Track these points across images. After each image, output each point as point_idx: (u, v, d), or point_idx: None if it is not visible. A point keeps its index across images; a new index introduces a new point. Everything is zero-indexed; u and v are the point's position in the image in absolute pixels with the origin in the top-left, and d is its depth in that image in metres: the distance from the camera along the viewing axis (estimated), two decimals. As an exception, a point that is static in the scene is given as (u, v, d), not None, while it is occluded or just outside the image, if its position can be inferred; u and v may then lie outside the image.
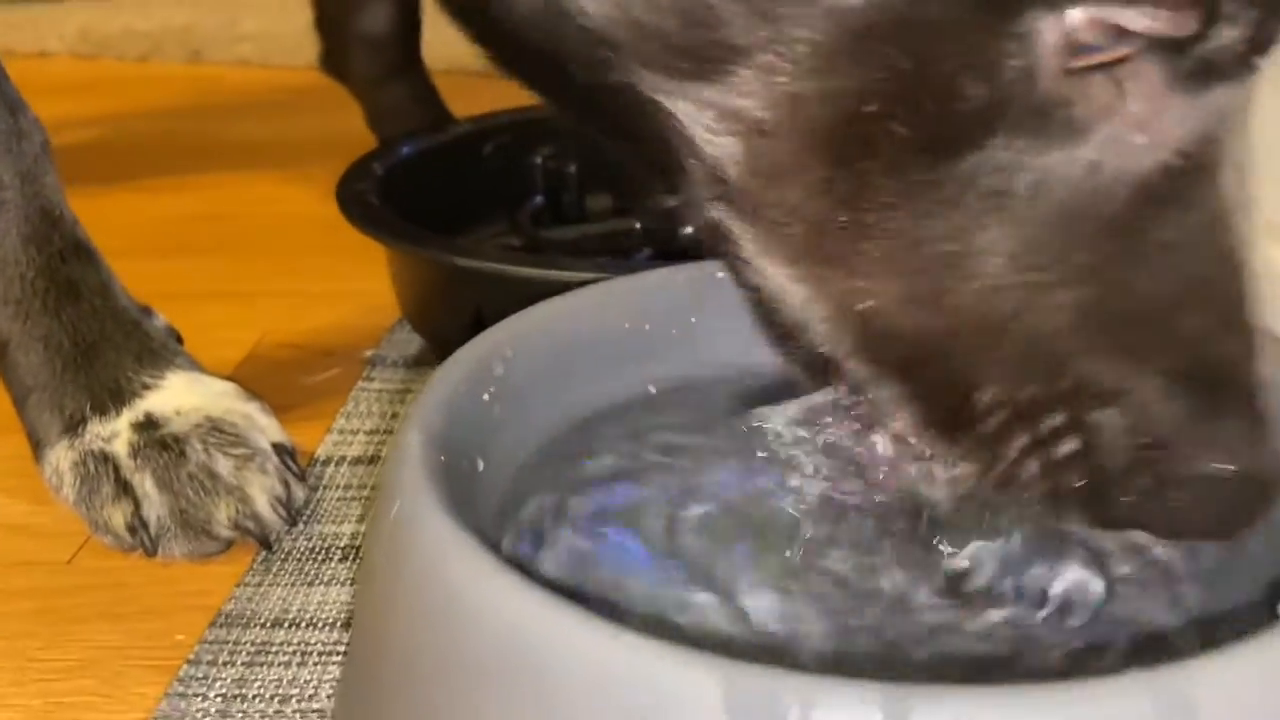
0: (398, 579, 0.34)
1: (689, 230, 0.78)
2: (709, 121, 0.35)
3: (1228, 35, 0.30)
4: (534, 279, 0.58)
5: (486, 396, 0.43)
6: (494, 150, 0.83)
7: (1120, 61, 0.31)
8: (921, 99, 0.32)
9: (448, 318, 0.64)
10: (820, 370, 0.39)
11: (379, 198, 0.70)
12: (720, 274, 0.50)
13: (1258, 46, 0.31)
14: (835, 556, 0.39)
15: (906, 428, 0.36)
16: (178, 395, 0.54)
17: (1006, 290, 0.33)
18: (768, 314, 0.40)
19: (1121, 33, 0.31)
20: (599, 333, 0.49)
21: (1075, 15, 0.30)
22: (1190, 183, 0.33)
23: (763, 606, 0.36)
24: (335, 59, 0.87)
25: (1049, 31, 0.31)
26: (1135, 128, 0.32)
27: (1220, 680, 0.26)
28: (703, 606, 0.37)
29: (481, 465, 0.42)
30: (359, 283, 0.79)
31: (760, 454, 0.43)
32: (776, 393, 0.47)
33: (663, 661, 0.27)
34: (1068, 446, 0.33)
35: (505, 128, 0.84)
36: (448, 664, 0.31)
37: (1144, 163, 0.33)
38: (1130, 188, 0.33)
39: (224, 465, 0.52)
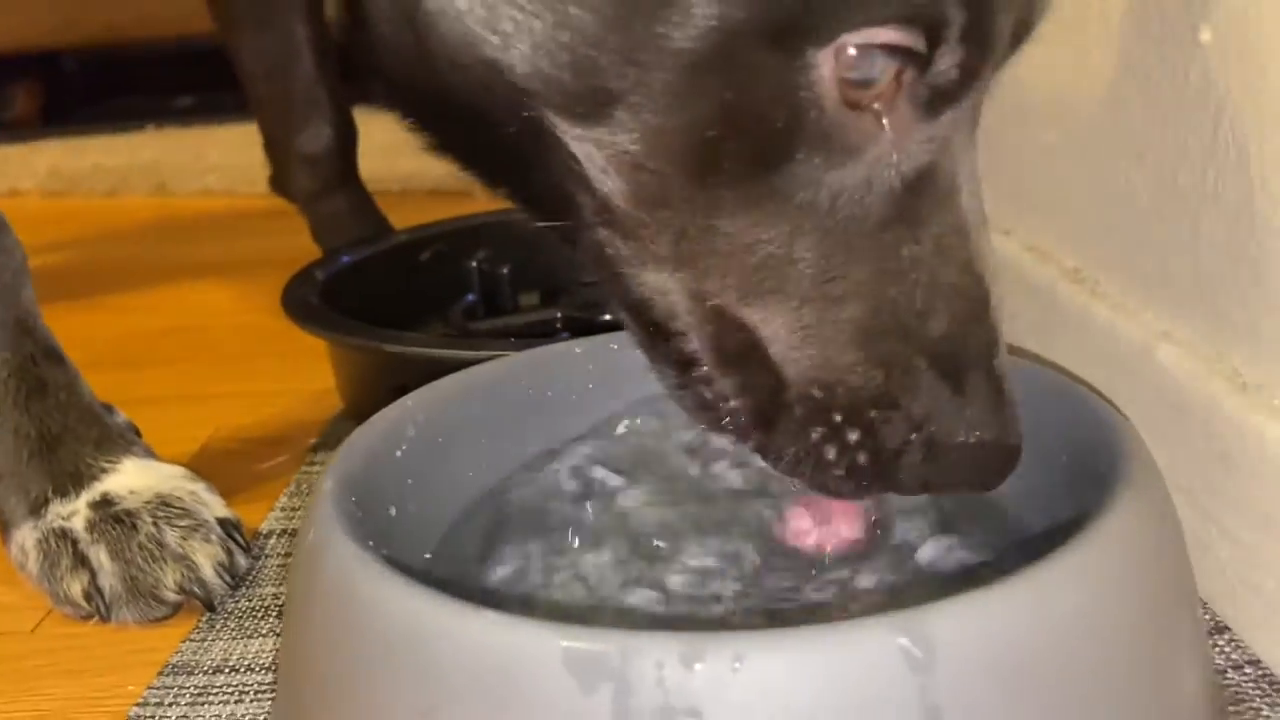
0: (311, 593, 0.40)
1: (605, 317, 0.87)
2: (601, 160, 0.43)
3: (947, 63, 0.40)
4: (452, 359, 0.65)
5: (399, 454, 0.50)
6: (431, 256, 0.91)
7: (884, 97, 0.40)
8: (745, 123, 0.40)
9: (379, 400, 0.71)
10: (684, 368, 0.47)
11: (321, 299, 0.77)
12: (614, 346, 0.58)
13: (969, 75, 0.40)
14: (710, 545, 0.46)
15: (740, 417, 0.45)
16: (132, 477, 0.60)
17: (812, 291, 0.42)
18: (642, 319, 0.47)
19: (880, 55, 0.39)
20: (505, 398, 0.56)
21: (843, 41, 0.39)
22: (936, 199, 0.42)
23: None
24: (281, 178, 0.96)
25: (824, 63, 0.39)
26: (892, 149, 0.41)
27: (954, 622, 0.32)
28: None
29: (394, 511, 0.48)
30: (304, 382, 0.86)
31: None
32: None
33: (514, 631, 0.33)
34: (854, 434, 0.42)
35: (441, 236, 0.92)
36: (352, 658, 0.37)
37: (898, 179, 0.41)
38: (892, 202, 0.42)
39: (171, 536, 0.58)
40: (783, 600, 0.42)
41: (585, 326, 0.81)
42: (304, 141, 0.91)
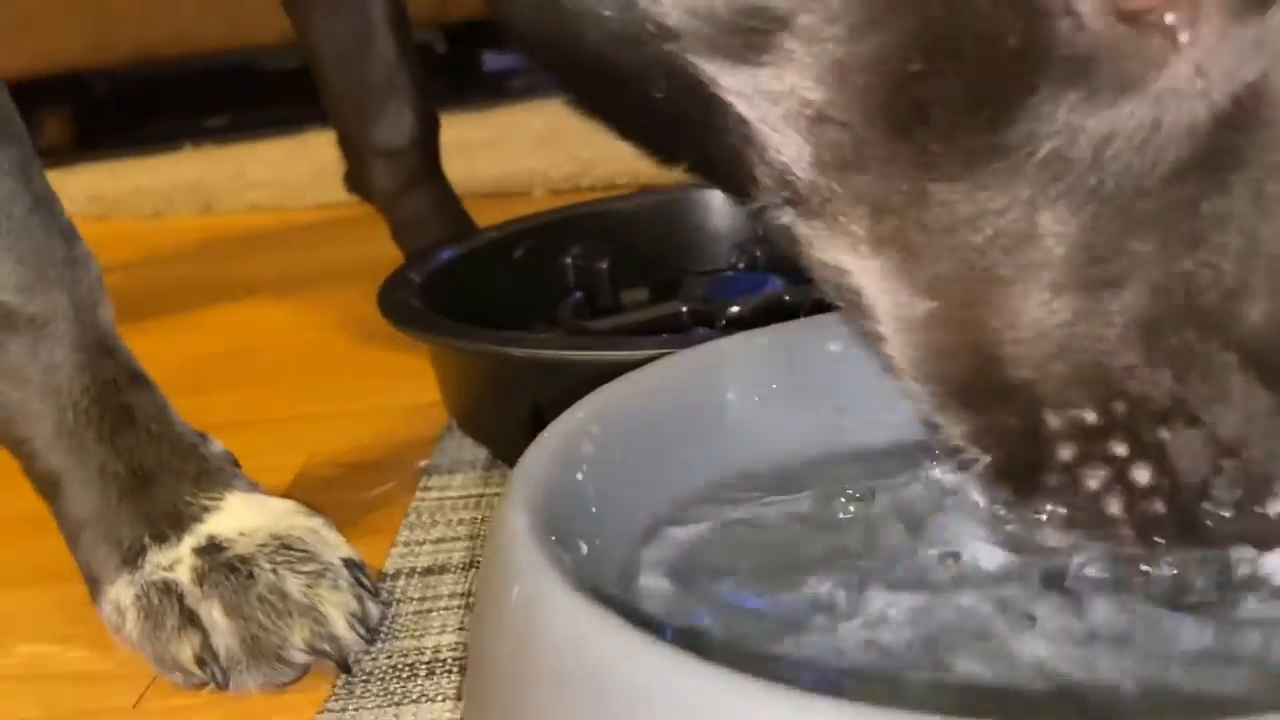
0: (526, 663, 0.31)
1: (735, 309, 0.77)
2: (771, 115, 0.33)
3: None
4: (594, 362, 0.56)
5: (580, 476, 0.41)
6: (525, 254, 0.83)
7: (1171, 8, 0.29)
8: (962, 49, 0.30)
9: (503, 415, 0.62)
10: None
11: (421, 303, 0.69)
12: (799, 334, 0.49)
13: None
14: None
15: (982, 474, 0.34)
16: (240, 516, 0.52)
17: (1071, 278, 0.31)
18: (854, 321, 0.37)
19: None
20: (681, 406, 0.47)
21: None
22: (1261, 132, 0.30)
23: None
24: (357, 176, 0.87)
25: None
26: (1193, 72, 0.30)
27: None
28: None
29: (585, 549, 0.39)
30: (397, 396, 0.78)
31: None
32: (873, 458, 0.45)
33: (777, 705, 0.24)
34: (1145, 473, 0.30)
35: (533, 231, 0.83)
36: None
37: (1202, 112, 0.30)
38: (1191, 143, 0.30)
39: (294, 584, 0.49)
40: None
41: (713, 318, 0.73)
42: (382, 133, 0.82)
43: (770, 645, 0.35)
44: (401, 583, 0.55)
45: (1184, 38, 0.30)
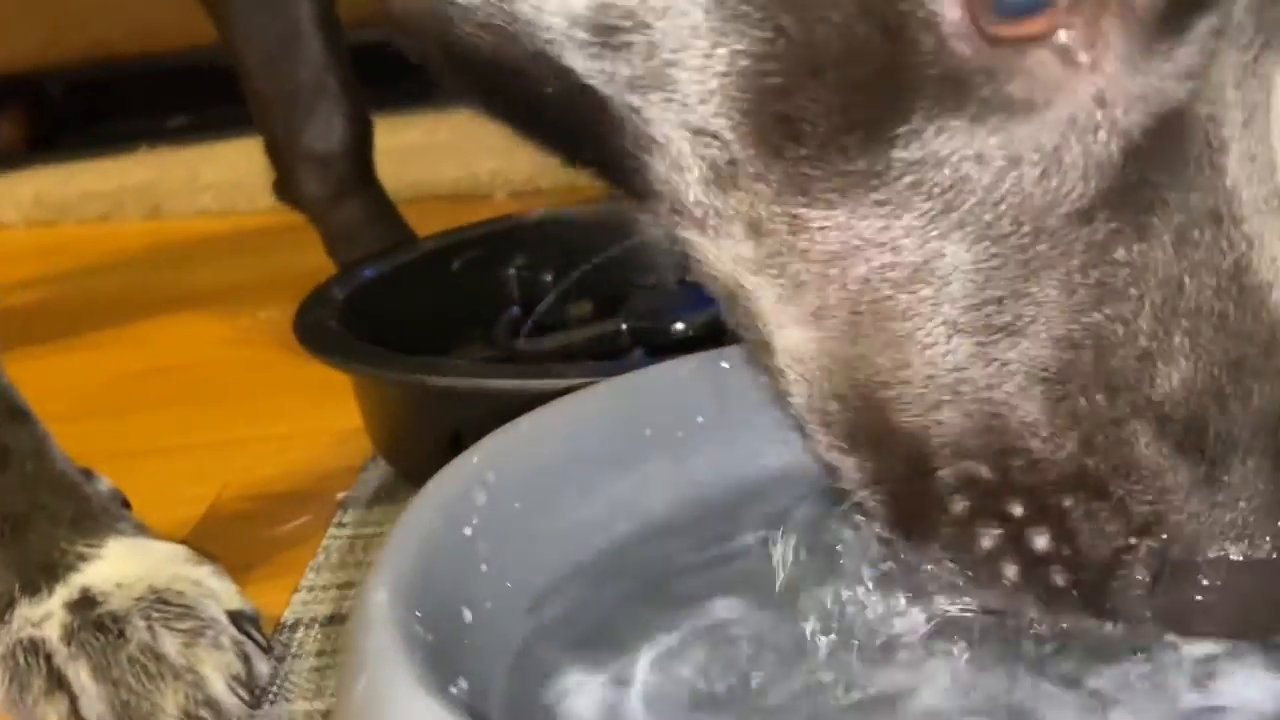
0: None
1: (680, 326, 0.73)
2: (658, 120, 0.30)
3: None
4: (514, 391, 0.52)
5: (469, 531, 0.37)
6: (464, 265, 0.78)
7: (1074, 14, 0.25)
8: (824, 67, 0.27)
9: (424, 445, 0.58)
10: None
11: (340, 323, 0.64)
12: (727, 364, 0.45)
13: None
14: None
15: (876, 518, 0.31)
16: (118, 565, 0.47)
17: (966, 320, 0.28)
18: (750, 345, 0.34)
19: None
20: (595, 442, 0.43)
21: None
22: (1182, 172, 0.27)
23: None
24: (286, 184, 0.83)
25: None
26: (1095, 98, 0.26)
27: None
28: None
29: (470, 616, 0.35)
30: (328, 419, 0.73)
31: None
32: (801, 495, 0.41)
33: None
34: (1041, 536, 0.27)
35: (473, 241, 0.79)
36: None
37: (1114, 148, 0.27)
38: (1101, 180, 0.27)
39: (170, 643, 0.44)
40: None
41: (657, 339, 0.69)
42: (312, 138, 0.78)
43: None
44: (301, 634, 0.50)
45: (1083, 60, 0.26)
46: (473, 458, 0.39)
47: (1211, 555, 0.26)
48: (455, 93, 0.38)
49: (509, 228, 0.81)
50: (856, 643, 0.34)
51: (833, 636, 0.34)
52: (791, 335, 0.32)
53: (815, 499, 0.41)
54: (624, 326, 0.70)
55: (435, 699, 0.25)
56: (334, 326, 0.63)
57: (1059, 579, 0.27)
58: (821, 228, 0.29)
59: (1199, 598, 0.26)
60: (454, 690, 0.28)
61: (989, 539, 0.28)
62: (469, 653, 0.33)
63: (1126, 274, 0.27)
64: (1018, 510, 0.27)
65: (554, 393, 0.44)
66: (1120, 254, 0.27)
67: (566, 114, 0.33)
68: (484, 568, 0.36)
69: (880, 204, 0.28)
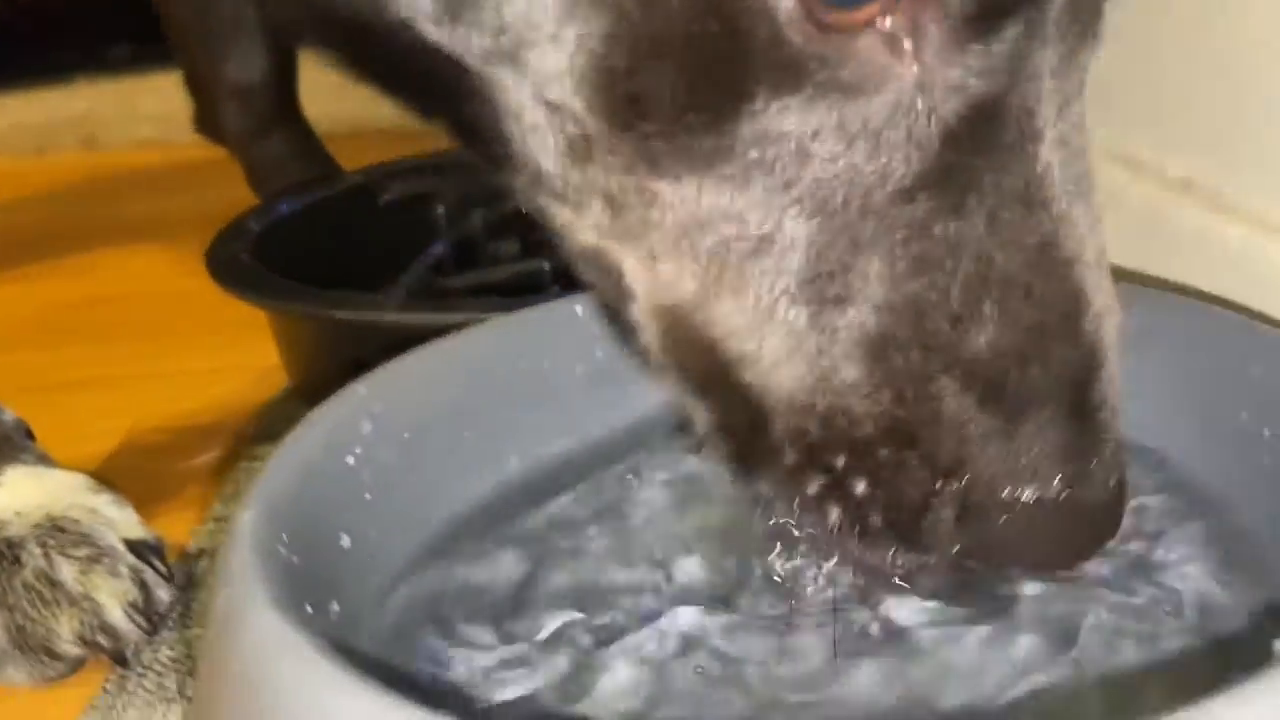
0: (222, 681, 0.27)
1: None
2: (514, 88, 0.31)
3: None
4: (420, 325, 0.52)
5: (351, 460, 0.37)
6: (390, 201, 0.77)
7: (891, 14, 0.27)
8: (661, 47, 0.28)
9: (330, 380, 0.57)
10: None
11: (256, 257, 0.64)
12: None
13: None
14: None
15: (717, 453, 0.33)
16: (17, 493, 0.47)
17: (799, 289, 0.30)
18: (606, 316, 0.37)
19: None
20: (490, 376, 0.43)
21: None
22: (998, 153, 0.29)
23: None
24: (208, 117, 0.81)
25: None
26: (914, 83, 0.28)
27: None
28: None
29: (348, 542, 0.35)
30: (247, 357, 0.72)
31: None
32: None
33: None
34: (861, 485, 0.30)
35: (400, 176, 0.78)
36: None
37: (934, 131, 0.29)
38: (922, 159, 0.29)
39: (66, 570, 0.45)
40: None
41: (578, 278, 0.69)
42: (232, 70, 0.76)
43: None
44: (205, 563, 0.51)
45: (906, 48, 0.28)
46: (359, 389, 0.39)
47: (1007, 496, 0.28)
48: (318, 50, 0.38)
49: (437, 164, 0.81)
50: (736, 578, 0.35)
51: (705, 572, 0.35)
52: (648, 297, 0.33)
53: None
54: (545, 265, 0.70)
55: (282, 615, 0.26)
56: (246, 260, 0.62)
57: (876, 520, 0.29)
58: (672, 201, 0.31)
59: (999, 534, 0.28)
60: (310, 611, 0.28)
61: (816, 486, 0.30)
62: (346, 578, 0.34)
63: (943, 248, 0.29)
64: (840, 462, 0.30)
65: (457, 328, 0.44)
66: (938, 229, 0.29)
67: (427, 78, 0.33)
68: (367, 496, 0.37)
69: (726, 179, 0.30)
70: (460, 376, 0.42)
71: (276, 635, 0.25)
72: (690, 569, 0.35)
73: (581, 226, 0.33)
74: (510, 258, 0.76)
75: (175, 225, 1.11)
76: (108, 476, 0.52)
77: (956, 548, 0.29)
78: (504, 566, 0.37)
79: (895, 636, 0.31)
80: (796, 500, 0.31)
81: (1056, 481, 0.28)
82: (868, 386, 0.29)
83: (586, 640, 0.33)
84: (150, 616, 0.45)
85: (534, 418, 0.43)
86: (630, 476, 0.41)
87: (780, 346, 0.30)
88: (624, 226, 0.32)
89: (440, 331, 0.44)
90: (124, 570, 0.45)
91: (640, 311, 0.34)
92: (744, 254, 0.30)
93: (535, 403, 0.43)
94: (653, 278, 0.32)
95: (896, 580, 0.31)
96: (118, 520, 0.47)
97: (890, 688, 0.29)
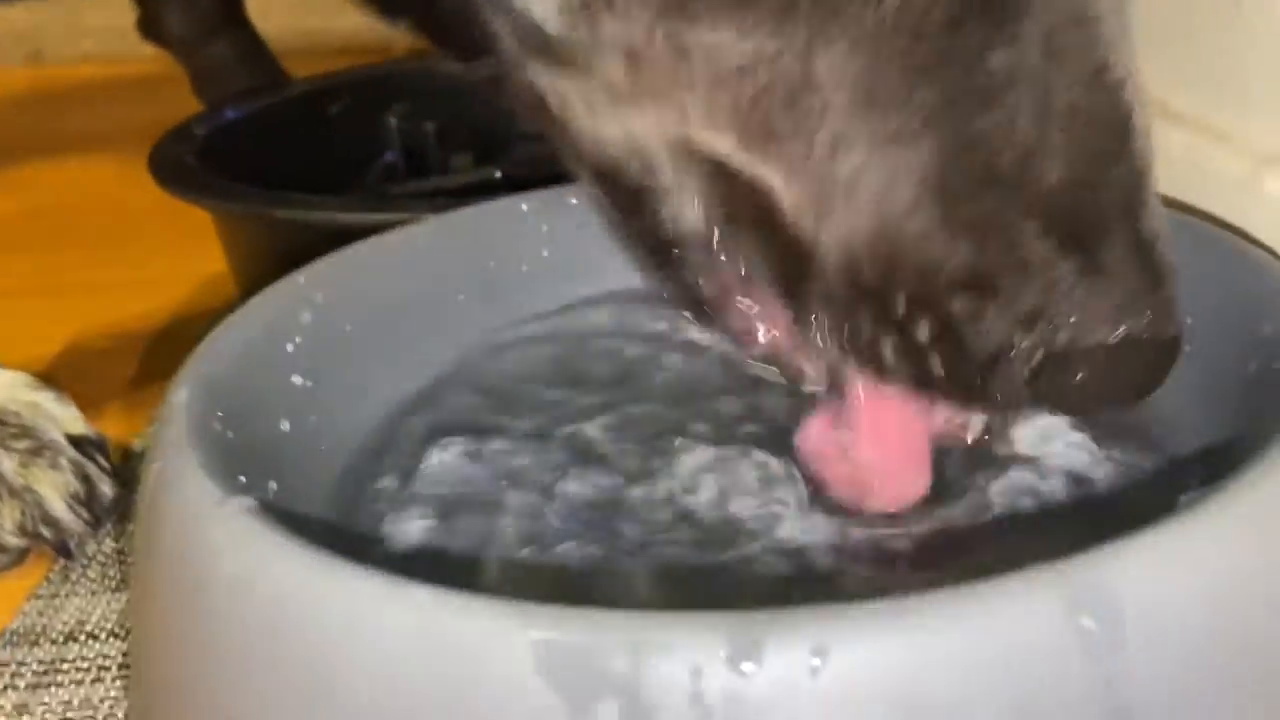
0: (154, 552, 0.27)
1: (557, 174, 0.73)
2: None
3: None
4: (363, 224, 0.51)
5: (290, 347, 0.37)
6: (341, 111, 0.76)
7: None
8: None
9: (272, 282, 0.57)
10: (668, 251, 0.34)
11: (200, 161, 0.62)
12: (575, 199, 0.45)
13: None
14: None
15: (760, 307, 0.32)
16: (-45, 389, 0.47)
17: (853, 130, 0.28)
18: (612, 190, 0.34)
19: None
20: (434, 271, 0.43)
21: None
22: None
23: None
24: (150, 21, 0.79)
25: None
26: None
27: (1149, 575, 0.21)
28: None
29: (287, 426, 0.35)
30: (196, 265, 0.72)
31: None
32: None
33: (453, 616, 0.21)
34: (924, 330, 0.28)
35: (351, 86, 0.77)
36: (207, 648, 0.25)
37: None
38: None
39: (7, 463, 0.44)
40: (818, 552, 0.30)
41: (534, 188, 0.68)
42: (176, -28, 0.74)
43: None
44: (150, 461, 0.51)
45: None
46: (299, 278, 0.39)
47: (1093, 341, 0.27)
48: None
49: (391, 73, 0.79)
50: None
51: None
52: (677, 163, 0.32)
53: (643, 339, 0.42)
54: (498, 174, 0.69)
55: (213, 479, 0.26)
56: (190, 162, 0.61)
57: (939, 368, 0.28)
58: (709, 46, 0.29)
59: (1079, 380, 0.27)
60: (244, 483, 0.29)
61: (870, 325, 0.29)
62: (285, 461, 0.34)
63: (1003, 81, 0.28)
64: (902, 310, 0.28)
65: (397, 225, 0.44)
66: (995, 62, 0.28)
67: None
68: (307, 383, 0.37)
69: (763, 19, 0.28)
70: (403, 270, 0.42)
71: (207, 498, 0.26)
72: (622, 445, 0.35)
73: (591, 96, 0.31)
74: (463, 169, 0.75)
75: (120, 138, 1.08)
76: (53, 380, 0.51)
77: (1030, 397, 0.28)
78: (445, 454, 0.37)
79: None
80: (846, 340, 0.29)
81: (1136, 318, 0.27)
82: (938, 230, 0.28)
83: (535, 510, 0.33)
84: (93, 509, 0.46)
85: (478, 313, 0.43)
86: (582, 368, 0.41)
87: (836, 192, 0.29)
88: (647, 87, 0.30)
89: (384, 230, 0.44)
90: (66, 464, 0.45)
91: (668, 181, 0.32)
92: (788, 99, 0.29)
93: (479, 298, 0.43)
94: (683, 140, 0.31)
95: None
96: (60, 416, 0.47)
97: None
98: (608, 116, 0.32)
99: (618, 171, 0.34)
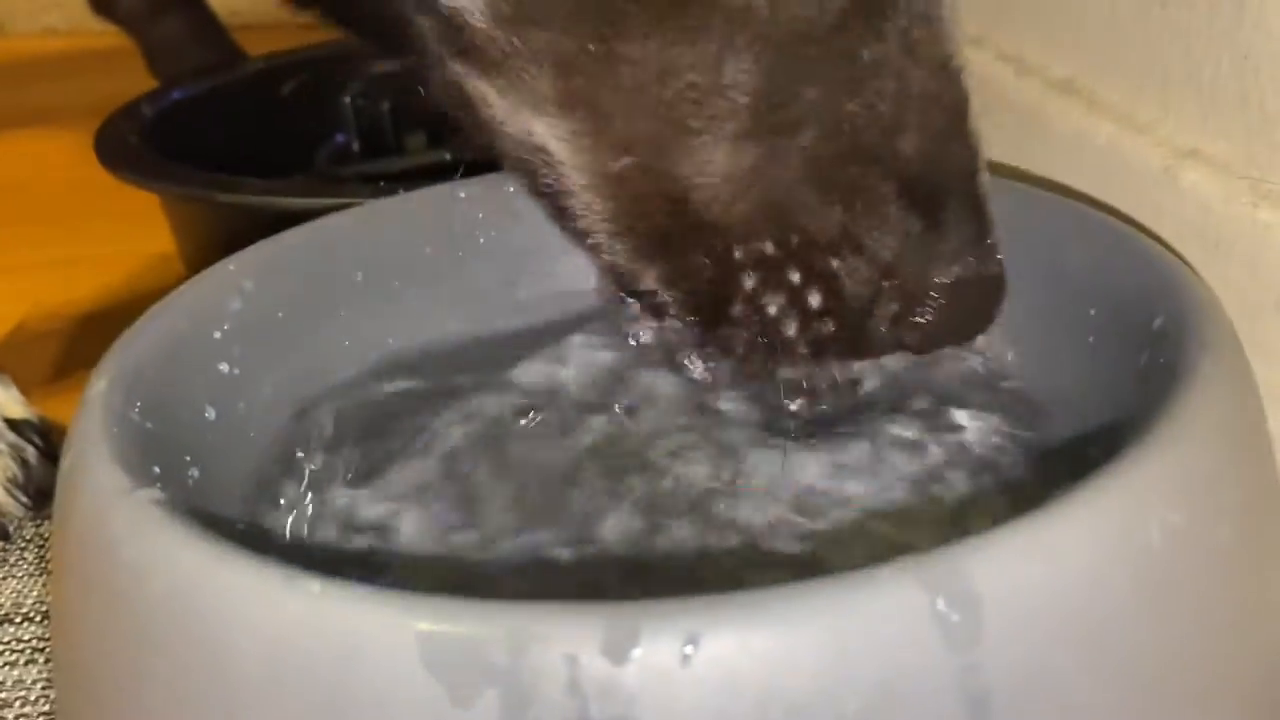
0: (65, 541, 0.28)
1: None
2: None
3: None
4: (303, 209, 0.51)
5: (218, 335, 0.37)
6: (295, 90, 0.76)
7: None
8: None
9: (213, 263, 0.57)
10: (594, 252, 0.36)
11: (147, 141, 0.62)
12: (512, 186, 0.45)
13: None
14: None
15: (677, 312, 0.34)
16: (-107, 373, 0.47)
17: (754, 124, 0.32)
18: (530, 186, 0.36)
19: None
20: (369, 258, 0.43)
21: None
22: None
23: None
24: (103, -4, 0.78)
25: None
26: None
27: (1006, 566, 0.22)
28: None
29: (213, 414, 0.36)
30: (146, 245, 0.72)
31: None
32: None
33: (344, 606, 0.22)
34: (816, 295, 0.32)
35: (306, 65, 0.77)
36: (115, 638, 0.25)
37: None
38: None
39: (-57, 447, 0.45)
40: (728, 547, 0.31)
41: (484, 171, 0.68)
42: (125, -54, 0.73)
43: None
44: (92, 444, 0.51)
45: None
46: (229, 265, 0.39)
47: (938, 280, 0.32)
48: None
49: (344, 53, 0.79)
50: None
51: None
52: (597, 163, 0.33)
53: (590, 324, 0.43)
54: (447, 157, 0.69)
55: (121, 469, 0.27)
56: (134, 142, 0.61)
57: (829, 327, 0.32)
58: (635, 60, 0.31)
59: (932, 318, 0.32)
60: (159, 472, 0.29)
61: (774, 305, 0.33)
62: (209, 449, 0.35)
63: (871, 71, 0.32)
64: (797, 277, 0.32)
65: (337, 210, 0.44)
66: (866, 55, 0.32)
67: None
68: (235, 371, 0.37)
69: (686, 30, 0.31)
70: (337, 257, 0.42)
71: (114, 488, 0.26)
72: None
73: (518, 98, 0.33)
74: (416, 150, 0.75)
75: (74, 113, 1.07)
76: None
77: (899, 339, 0.32)
78: (374, 443, 0.38)
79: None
80: (755, 327, 0.33)
81: (973, 260, 0.32)
82: (819, 201, 0.32)
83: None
84: (30, 493, 0.46)
85: (412, 301, 0.43)
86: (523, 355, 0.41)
87: (740, 180, 0.32)
88: (573, 92, 0.32)
89: (324, 214, 0.44)
90: (4, 448, 0.46)
91: (585, 180, 0.34)
92: (702, 100, 0.31)
93: (414, 286, 0.44)
94: (603, 141, 0.33)
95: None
96: (0, 400, 0.47)
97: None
98: (526, 120, 0.34)
99: (533, 174, 0.35)
